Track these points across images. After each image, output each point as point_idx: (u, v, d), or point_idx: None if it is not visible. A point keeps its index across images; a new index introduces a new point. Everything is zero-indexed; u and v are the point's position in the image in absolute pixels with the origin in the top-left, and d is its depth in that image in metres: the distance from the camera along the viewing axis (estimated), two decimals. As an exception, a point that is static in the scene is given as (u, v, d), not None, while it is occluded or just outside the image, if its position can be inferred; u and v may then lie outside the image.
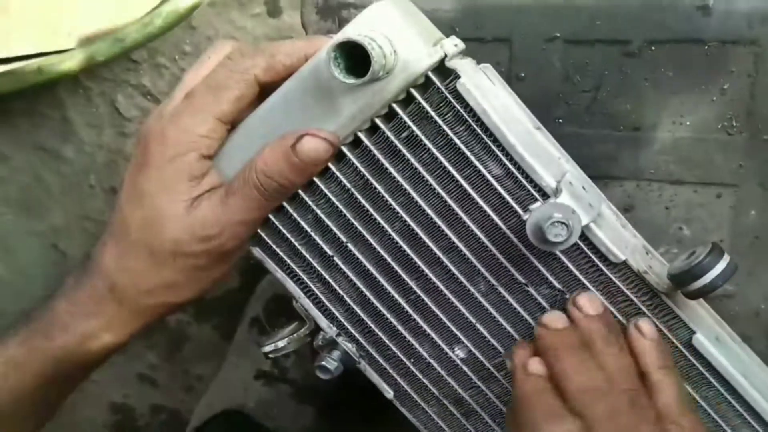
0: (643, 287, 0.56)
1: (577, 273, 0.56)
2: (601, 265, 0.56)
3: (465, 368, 0.63)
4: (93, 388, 1.33)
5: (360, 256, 0.61)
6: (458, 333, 0.62)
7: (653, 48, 0.59)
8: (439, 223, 0.58)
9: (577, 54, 0.61)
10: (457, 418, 0.65)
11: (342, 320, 0.64)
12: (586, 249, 0.55)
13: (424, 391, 0.65)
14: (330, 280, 0.63)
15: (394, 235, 0.60)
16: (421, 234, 0.59)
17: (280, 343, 0.66)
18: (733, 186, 0.60)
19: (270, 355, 0.67)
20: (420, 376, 0.64)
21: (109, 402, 1.35)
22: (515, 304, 0.59)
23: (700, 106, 0.58)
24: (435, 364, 0.63)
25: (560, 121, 0.62)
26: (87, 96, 1.06)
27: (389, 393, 0.66)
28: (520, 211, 0.55)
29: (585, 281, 0.57)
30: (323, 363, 0.62)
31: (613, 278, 0.56)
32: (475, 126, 0.55)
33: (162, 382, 1.31)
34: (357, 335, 0.64)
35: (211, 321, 1.22)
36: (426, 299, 0.61)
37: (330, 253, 0.62)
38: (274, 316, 1.03)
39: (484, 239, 0.57)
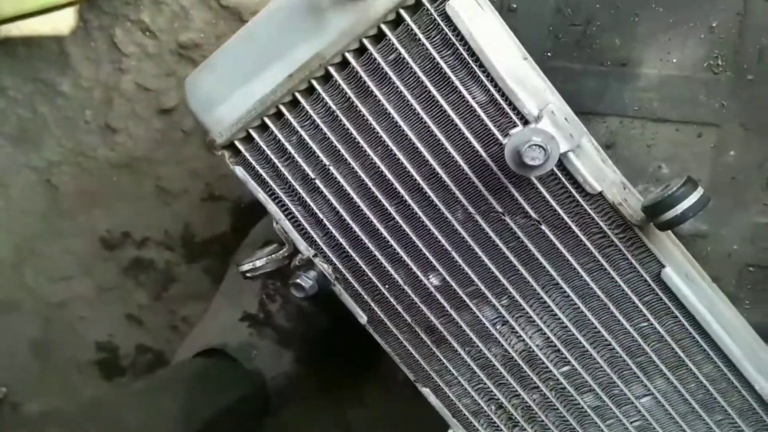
0: (617, 220, 0.56)
1: (552, 202, 0.56)
2: (576, 196, 0.56)
3: (438, 296, 0.63)
4: (80, 326, 1.34)
5: (341, 180, 0.61)
6: (434, 260, 0.62)
7: (645, -17, 0.59)
8: (421, 148, 0.58)
9: (569, -16, 0.61)
10: (428, 346, 0.65)
11: (320, 243, 0.64)
12: (563, 178, 0.55)
13: (397, 318, 0.65)
14: (310, 203, 0.63)
15: (375, 159, 0.60)
16: (402, 159, 0.59)
17: (258, 263, 0.66)
18: (715, 126, 0.60)
19: (248, 274, 0.67)
20: (394, 303, 0.64)
21: (95, 341, 1.35)
22: (491, 233, 0.59)
23: (688, 43, 0.58)
24: (409, 291, 0.63)
25: (549, 54, 0.62)
26: (86, 29, 1.06)
27: (363, 318, 0.66)
28: (500, 137, 0.55)
29: (560, 211, 0.56)
30: (298, 280, 0.62)
31: (588, 209, 0.56)
32: (462, 50, 0.54)
33: (148, 322, 1.31)
34: (334, 258, 0.64)
35: (201, 263, 1.22)
36: (404, 225, 0.61)
37: (312, 175, 0.62)
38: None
39: (464, 166, 0.57)
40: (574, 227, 0.57)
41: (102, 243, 1.24)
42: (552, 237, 0.58)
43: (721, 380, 0.59)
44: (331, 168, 0.61)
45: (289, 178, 0.62)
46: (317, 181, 0.62)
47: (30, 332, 1.35)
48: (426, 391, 0.67)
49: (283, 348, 1.00)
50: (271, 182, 0.63)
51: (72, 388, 1.38)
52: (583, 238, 0.57)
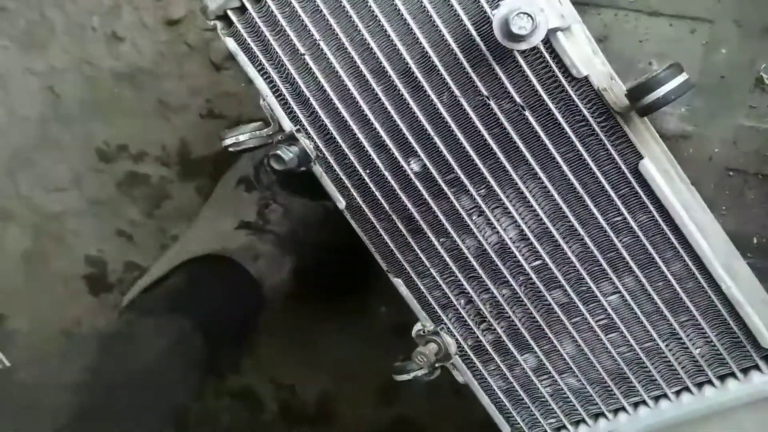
0: (600, 107, 0.55)
1: (537, 85, 0.55)
2: (561, 79, 0.55)
3: (417, 183, 0.62)
4: (71, 239, 1.33)
5: (330, 56, 0.60)
6: (416, 145, 0.61)
7: None
8: (412, 25, 0.57)
9: None
10: (403, 235, 0.64)
11: (304, 122, 0.63)
12: (549, 59, 0.54)
13: (374, 205, 0.64)
14: (298, 80, 0.62)
15: (366, 34, 0.59)
16: (393, 36, 0.58)
17: (242, 137, 0.66)
18: (709, 21, 0.59)
19: (230, 149, 0.66)
20: (373, 188, 0.64)
21: (85, 255, 1.35)
22: (475, 118, 0.58)
23: None
24: (389, 177, 0.63)
25: None
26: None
27: (341, 203, 0.65)
28: (489, 10, 0.54)
29: (544, 95, 0.56)
30: (278, 152, 0.62)
31: (572, 94, 0.55)
32: None
33: (138, 239, 1.31)
34: (316, 138, 0.63)
35: (194, 181, 1.21)
36: (389, 107, 0.61)
37: (302, 50, 0.61)
38: (265, 176, 1.03)
39: (453, 44, 0.56)
40: (556, 113, 0.56)
41: (98, 155, 1.23)
42: (534, 124, 0.57)
43: (689, 279, 0.58)
44: (321, 43, 0.60)
45: (279, 52, 0.62)
46: (306, 57, 0.61)
47: (20, 243, 1.34)
48: (398, 282, 0.67)
49: (285, 255, 0.98)
50: (260, 56, 0.62)
51: (57, 302, 1.38)
52: (565, 126, 0.56)
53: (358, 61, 0.60)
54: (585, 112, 0.55)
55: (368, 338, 1.13)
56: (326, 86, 0.62)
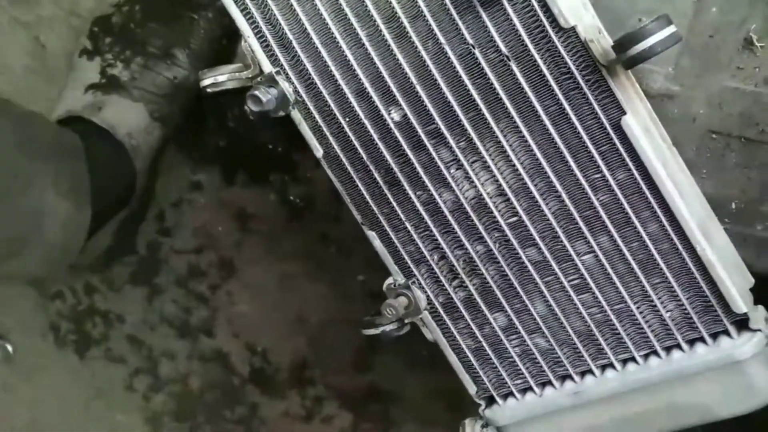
0: (585, 59, 0.53)
1: (523, 35, 0.53)
2: (548, 28, 0.53)
3: (397, 132, 0.60)
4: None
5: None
6: (397, 93, 0.59)
7: None
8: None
9: None
10: (380, 186, 0.62)
11: (285, 65, 0.61)
12: (537, 6, 0.52)
13: (352, 155, 0.62)
14: (281, 21, 0.59)
15: (352, -24, 0.56)
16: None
17: (220, 77, 0.63)
18: None
19: (208, 89, 0.64)
20: (352, 137, 0.61)
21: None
22: (458, 67, 0.56)
23: None
24: (369, 126, 0.60)
25: None
26: None
27: (319, 151, 0.63)
28: (478, -50, 0.52)
29: (530, 45, 0.54)
30: (256, 92, 0.59)
31: (558, 44, 0.53)
32: None
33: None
34: (297, 83, 0.61)
35: (177, 139, 1.17)
36: (372, 53, 0.58)
37: (288, -9, 0.58)
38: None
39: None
40: (541, 65, 0.54)
41: (82, 107, 1.19)
42: (519, 75, 0.55)
43: (664, 240, 0.56)
44: (308, -18, 0.57)
45: None
46: (292, -1, 0.58)
47: None
48: (372, 235, 0.65)
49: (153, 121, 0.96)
50: None
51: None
52: (549, 78, 0.54)
53: (344, 4, 0.58)
54: (570, 64, 0.53)
55: (345, 306, 1.11)
56: (309, 29, 0.59)
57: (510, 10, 0.53)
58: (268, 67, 0.61)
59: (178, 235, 1.19)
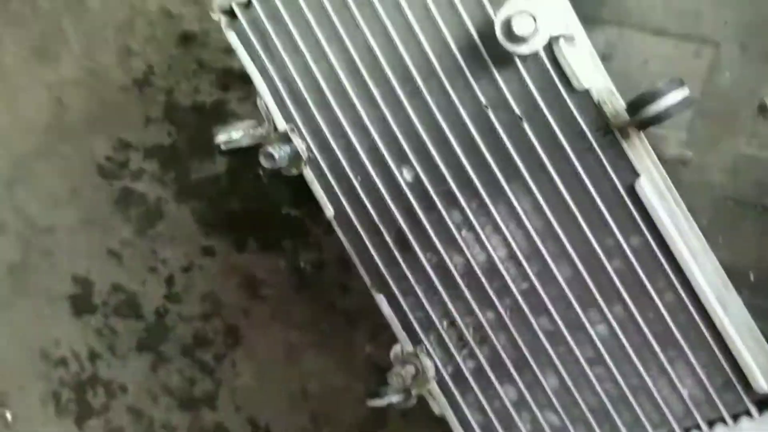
0: (598, 120, 0.55)
1: (536, 95, 0.55)
2: (561, 89, 0.55)
3: (408, 192, 0.61)
4: (60, 256, 1.32)
5: (331, 57, 0.61)
6: (409, 152, 0.60)
7: None
8: (415, 27, 0.58)
9: None
10: (389, 248, 0.63)
11: (299, 123, 0.63)
12: (550, 67, 0.54)
13: (363, 214, 0.64)
14: (297, 79, 0.62)
15: (368, 35, 0.60)
16: (395, 37, 0.59)
17: (235, 134, 0.66)
18: (714, 44, 0.59)
19: (222, 146, 0.66)
20: (363, 196, 0.63)
21: (72, 273, 1.34)
22: (471, 126, 0.58)
23: None
24: (380, 185, 0.62)
25: None
26: (125, -56, 1.08)
27: (330, 210, 0.65)
28: (491, 12, 0.54)
29: (543, 105, 0.55)
30: (270, 149, 0.61)
31: (571, 105, 0.55)
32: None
33: (127, 260, 1.30)
34: (309, 139, 0.63)
35: (190, 203, 1.20)
36: (386, 112, 0.61)
37: (303, 49, 0.62)
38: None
39: (454, 48, 0.57)
40: (554, 126, 0.55)
41: (98, 170, 1.24)
42: (531, 136, 0.56)
43: (681, 311, 0.56)
44: (323, 43, 0.60)
45: (280, 50, 0.62)
46: (307, 56, 0.61)
47: (9, 255, 1.34)
48: (380, 298, 0.65)
49: None
50: (261, 53, 0.63)
51: (39, 319, 1.36)
52: (562, 139, 0.56)
53: (359, 63, 0.60)
54: (583, 125, 0.55)
55: (350, 378, 1.10)
56: (324, 87, 0.62)
57: (523, 71, 0.55)
58: (282, 124, 0.64)
59: (186, 300, 1.20)
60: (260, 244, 1.08)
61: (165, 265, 1.26)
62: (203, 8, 1.09)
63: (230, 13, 0.64)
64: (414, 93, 0.59)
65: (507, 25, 0.51)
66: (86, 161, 1.23)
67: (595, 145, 0.55)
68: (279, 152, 0.62)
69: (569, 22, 0.53)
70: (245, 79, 0.64)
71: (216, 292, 1.17)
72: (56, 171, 1.26)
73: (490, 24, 0.54)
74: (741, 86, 0.59)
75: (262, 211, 1.08)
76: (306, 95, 0.63)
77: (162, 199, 1.22)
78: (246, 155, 0.69)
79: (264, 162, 0.62)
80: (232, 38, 0.64)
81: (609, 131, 0.54)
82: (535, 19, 0.50)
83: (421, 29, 0.58)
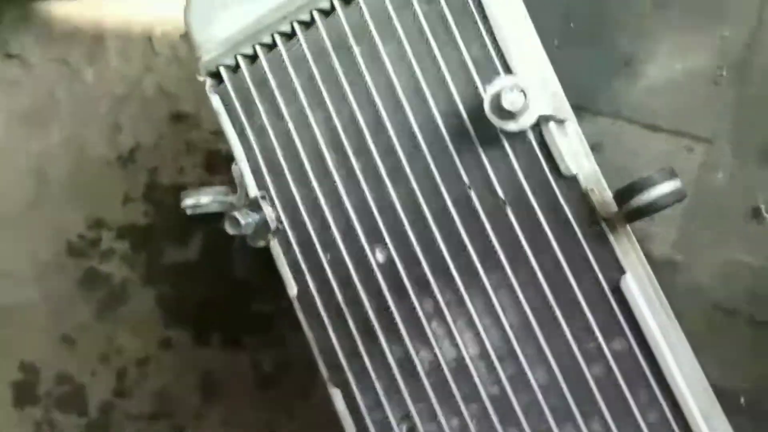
0: (584, 210, 0.53)
1: (521, 177, 0.54)
2: (548, 173, 0.53)
3: (379, 276, 0.59)
4: (12, 338, 1.28)
5: (314, 126, 0.61)
6: (384, 230, 0.58)
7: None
8: (402, 99, 0.57)
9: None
10: (353, 337, 0.60)
11: (272, 191, 0.62)
12: (537, 150, 0.53)
13: (328, 296, 0.61)
14: (276, 147, 0.61)
15: (355, 107, 0.59)
16: (381, 109, 0.58)
17: (204, 198, 0.64)
18: (707, 141, 0.58)
19: (188, 211, 0.64)
20: (330, 275, 0.60)
21: (22, 358, 1.29)
22: (452, 210, 0.56)
23: (697, 49, 0.58)
24: (349, 263, 0.60)
25: (556, 42, 0.62)
26: (127, 20, 1.11)
27: (293, 289, 0.62)
28: (481, 87, 0.54)
29: (528, 189, 0.54)
30: (236, 213, 0.59)
31: (557, 191, 0.53)
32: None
33: (81, 347, 1.25)
34: (281, 209, 0.61)
35: (156, 288, 1.17)
36: (364, 185, 0.59)
37: (287, 117, 0.61)
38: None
39: (440, 122, 0.56)
40: (538, 212, 0.54)
41: (68, 247, 1.21)
42: (514, 222, 0.54)
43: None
44: (307, 112, 0.60)
45: (263, 116, 0.62)
46: (290, 124, 0.61)
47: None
48: (335, 393, 0.61)
49: None
50: (243, 118, 0.63)
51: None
52: (546, 227, 0.53)
53: (341, 134, 0.59)
54: (569, 214, 0.53)
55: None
56: (303, 156, 0.61)
57: (510, 153, 0.54)
58: (254, 191, 0.62)
59: (137, 396, 1.14)
60: (223, 338, 1.04)
61: (119, 354, 1.21)
62: (200, 88, 1.10)
63: (216, 76, 0.63)
64: (395, 169, 0.58)
65: (497, 100, 0.50)
66: (57, 237, 1.21)
67: (580, 235, 0.52)
68: (246, 219, 0.60)
69: (560, 104, 0.53)
70: (231, 160, 0.63)
71: (170, 389, 1.12)
72: (25, 246, 1.23)
73: (479, 100, 0.53)
74: (734, 187, 0.58)
75: (230, 304, 1.04)
76: (283, 163, 0.62)
77: (128, 282, 1.19)
78: (216, 222, 0.67)
79: (228, 228, 0.60)
80: (215, 101, 0.63)
81: (595, 222, 0.52)
82: (525, 95, 0.49)
83: (409, 103, 0.57)
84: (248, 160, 0.63)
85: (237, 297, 1.02)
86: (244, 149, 0.63)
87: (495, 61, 0.54)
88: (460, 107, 0.55)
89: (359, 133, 0.58)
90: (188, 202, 0.64)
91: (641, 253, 0.52)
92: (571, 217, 0.52)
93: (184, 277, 1.12)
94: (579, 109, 0.60)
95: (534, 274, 0.54)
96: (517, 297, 0.55)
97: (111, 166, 1.15)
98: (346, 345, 0.60)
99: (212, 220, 0.66)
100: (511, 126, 0.51)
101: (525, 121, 0.50)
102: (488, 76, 0.53)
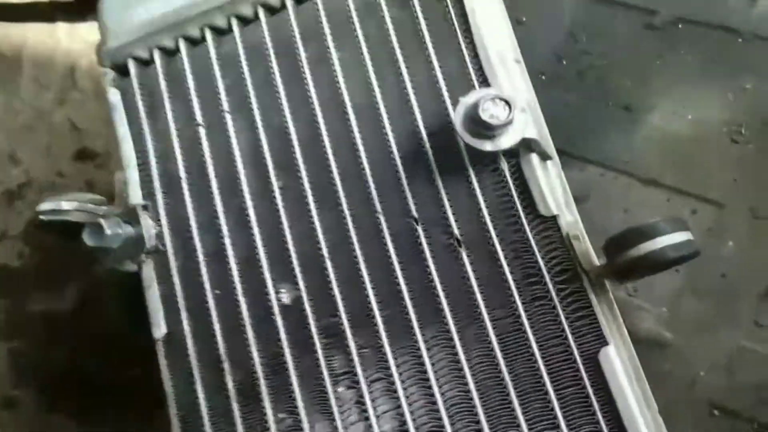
0: (563, 262, 0.42)
1: (486, 216, 0.43)
2: (521, 212, 0.42)
3: (279, 321, 0.45)
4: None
5: (230, 131, 0.51)
6: (296, 265, 0.46)
7: (680, 26, 0.55)
8: (350, 114, 0.47)
9: (593, 11, 0.56)
10: (227, 396, 0.45)
11: (159, 203, 0.50)
12: (511, 183, 0.43)
13: (205, 342, 0.47)
14: (177, 154, 0.51)
15: (288, 116, 0.49)
16: (319, 117, 0.48)
17: (65, 204, 0.51)
18: (718, 204, 0.49)
19: (44, 217, 0.51)
20: (213, 316, 0.46)
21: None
22: (390, 245, 0.44)
23: (711, 101, 0.52)
24: (243, 302, 0.46)
25: (543, 77, 0.54)
26: (52, 49, 1.00)
27: (161, 329, 0.49)
28: (450, 105, 0.44)
29: (492, 230, 0.42)
30: (101, 221, 0.47)
31: (529, 234, 0.41)
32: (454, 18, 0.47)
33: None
34: (165, 223, 0.49)
35: (13, 342, 0.98)
36: (279, 204, 0.47)
37: (200, 120, 0.51)
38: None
39: (391, 139, 0.45)
40: (501, 258, 0.42)
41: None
42: (468, 267, 0.43)
43: None
44: (227, 118, 0.50)
45: (169, 118, 0.53)
46: (201, 128, 0.50)
47: None
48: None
49: None
50: (144, 118, 0.54)
51: None
52: (509, 279, 0.41)
53: (264, 146, 0.49)
54: (541, 263, 0.41)
55: None
56: (210, 167, 0.49)
57: (476, 183, 0.44)
58: (136, 198, 0.49)
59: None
60: (77, 408, 0.85)
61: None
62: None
63: (121, 69, 0.54)
64: (325, 189, 0.47)
65: (473, 112, 0.40)
66: None
67: (552, 292, 0.41)
68: (114, 229, 0.47)
69: (546, 146, 0.42)
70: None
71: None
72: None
73: (445, 119, 0.45)
74: (748, 260, 0.48)
75: (97, 368, 0.87)
76: (182, 173, 0.51)
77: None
78: (71, 238, 0.52)
79: (87, 237, 0.48)
80: (113, 96, 0.54)
81: (575, 278, 0.40)
82: (510, 107, 0.39)
83: (357, 118, 0.48)
84: (138, 166, 0.51)
85: (107, 363, 0.85)
86: (135, 153, 0.52)
87: (473, 77, 0.46)
88: (420, 125, 0.45)
89: (287, 146, 0.49)
90: (45, 206, 0.51)
91: (623, 326, 0.40)
92: (543, 267, 0.41)
93: (50, 331, 0.95)
94: (564, 155, 0.50)
95: (485, 334, 0.42)
96: (457, 359, 0.42)
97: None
98: (217, 405, 0.47)
99: (71, 234, 0.51)
100: (487, 146, 0.40)
101: (504, 142, 0.41)
102: (462, 91, 0.44)
